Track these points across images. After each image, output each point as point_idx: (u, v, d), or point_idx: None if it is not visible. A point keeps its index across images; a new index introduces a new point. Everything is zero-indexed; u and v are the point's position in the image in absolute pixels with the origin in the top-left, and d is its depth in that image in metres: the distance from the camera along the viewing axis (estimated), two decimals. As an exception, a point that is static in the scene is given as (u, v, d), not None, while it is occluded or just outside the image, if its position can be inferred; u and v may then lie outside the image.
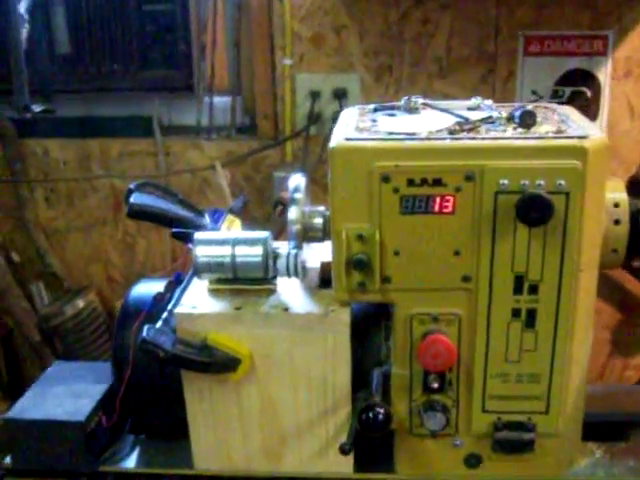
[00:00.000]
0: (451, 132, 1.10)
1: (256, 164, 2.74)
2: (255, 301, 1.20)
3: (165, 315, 1.18)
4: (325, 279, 1.21)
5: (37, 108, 2.83)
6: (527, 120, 1.10)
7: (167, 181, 2.77)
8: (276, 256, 1.20)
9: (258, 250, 1.19)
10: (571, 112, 1.24)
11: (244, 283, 1.22)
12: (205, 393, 1.21)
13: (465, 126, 1.12)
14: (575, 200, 1.04)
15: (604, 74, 2.44)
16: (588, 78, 2.45)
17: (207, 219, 1.42)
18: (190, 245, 1.23)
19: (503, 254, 1.08)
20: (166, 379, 1.24)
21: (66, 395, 1.33)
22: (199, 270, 1.21)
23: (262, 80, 2.66)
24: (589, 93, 2.46)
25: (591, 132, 1.07)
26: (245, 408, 1.22)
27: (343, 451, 1.12)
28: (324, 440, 1.23)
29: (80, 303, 2.86)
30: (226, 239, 1.21)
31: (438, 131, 1.11)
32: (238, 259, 1.19)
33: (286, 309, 1.18)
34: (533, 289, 1.09)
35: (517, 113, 1.12)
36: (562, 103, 2.33)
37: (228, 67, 2.76)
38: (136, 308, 1.28)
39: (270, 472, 1.27)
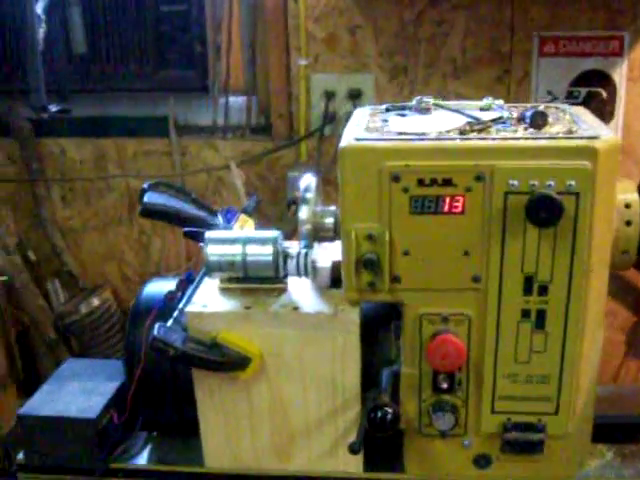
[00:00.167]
0: (461, 132, 1.10)
1: (271, 164, 2.75)
2: (265, 300, 1.21)
3: (176, 314, 1.19)
4: (336, 279, 1.22)
5: (54, 108, 2.85)
6: (538, 120, 1.10)
7: (182, 181, 2.78)
8: (286, 255, 1.20)
9: (268, 249, 1.20)
10: (583, 113, 1.24)
11: (255, 282, 1.23)
12: (215, 391, 1.22)
13: (476, 126, 1.12)
14: (585, 201, 1.04)
15: (619, 75, 2.42)
16: (603, 79, 2.43)
17: (220, 219, 1.43)
18: (201, 244, 1.24)
19: (513, 254, 1.08)
20: (177, 377, 1.25)
21: (78, 392, 1.34)
22: (210, 269, 1.22)
23: (277, 80, 2.67)
24: (604, 94, 2.44)
25: (602, 132, 1.07)
26: (255, 407, 1.22)
27: (352, 450, 1.13)
28: (333, 439, 1.23)
29: (95, 301, 2.88)
30: (237, 238, 1.22)
31: (448, 131, 1.11)
32: (249, 258, 1.20)
33: (296, 308, 1.18)
34: (543, 290, 1.09)
35: (528, 113, 1.12)
36: (577, 104, 2.31)
37: (243, 67, 2.77)
38: (148, 306, 1.29)
39: (280, 471, 1.27)
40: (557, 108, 1.27)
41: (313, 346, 1.17)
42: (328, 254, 1.31)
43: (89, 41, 2.97)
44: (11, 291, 2.87)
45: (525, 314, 1.11)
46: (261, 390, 1.21)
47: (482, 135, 1.09)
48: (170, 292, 1.29)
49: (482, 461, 1.22)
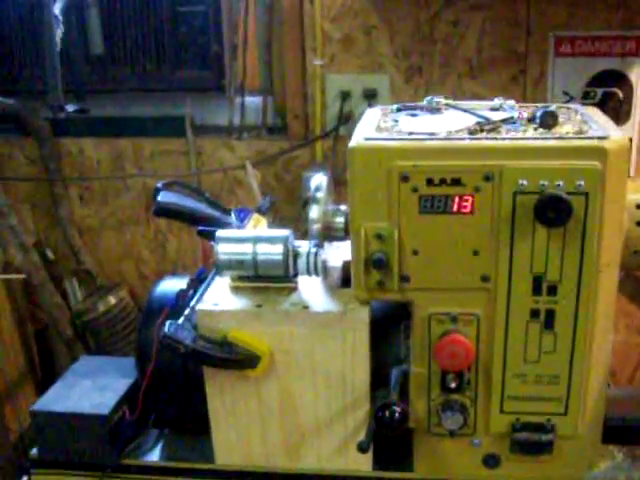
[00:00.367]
0: (471, 132, 1.10)
1: (286, 164, 2.76)
2: (275, 299, 1.21)
3: (187, 312, 1.20)
4: (347, 278, 1.22)
5: (71, 108, 2.88)
6: (548, 121, 1.10)
7: (198, 180, 2.80)
8: (296, 254, 1.21)
9: (279, 248, 1.20)
10: (595, 113, 1.23)
11: (265, 281, 1.24)
12: (226, 389, 1.23)
13: (485, 126, 1.12)
14: (594, 201, 1.03)
15: (636, 75, 2.41)
16: (620, 79, 2.42)
17: (233, 218, 1.44)
18: (213, 243, 1.25)
19: (522, 254, 1.08)
20: (188, 375, 1.26)
21: (91, 389, 1.36)
22: (220, 267, 1.23)
23: (293, 80, 2.67)
24: (621, 94, 2.43)
25: (612, 133, 1.06)
26: (265, 404, 1.23)
27: (361, 449, 1.13)
28: (343, 438, 1.24)
29: (112, 300, 2.91)
30: (247, 237, 1.23)
31: (458, 131, 1.11)
32: (259, 257, 1.20)
33: (306, 307, 1.19)
34: (552, 290, 1.09)
35: (538, 114, 1.12)
36: (594, 104, 2.31)
37: (259, 68, 2.78)
38: (160, 305, 1.30)
39: (289, 469, 1.28)
40: (569, 108, 1.27)
41: (323, 344, 1.18)
42: (339, 253, 1.32)
43: (107, 42, 3.00)
44: (29, 289, 2.91)
45: (534, 314, 1.11)
46: (271, 388, 1.22)
47: (491, 135, 1.09)
48: (182, 290, 1.30)
49: (491, 461, 1.21)
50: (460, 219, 1.08)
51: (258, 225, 1.45)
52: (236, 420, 1.25)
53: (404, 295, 1.14)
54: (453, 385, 1.16)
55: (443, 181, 1.06)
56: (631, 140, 2.40)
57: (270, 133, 2.79)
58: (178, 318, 1.18)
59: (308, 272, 1.21)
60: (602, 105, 2.41)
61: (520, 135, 1.09)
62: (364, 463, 1.25)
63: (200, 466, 1.32)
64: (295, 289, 1.24)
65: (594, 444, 1.23)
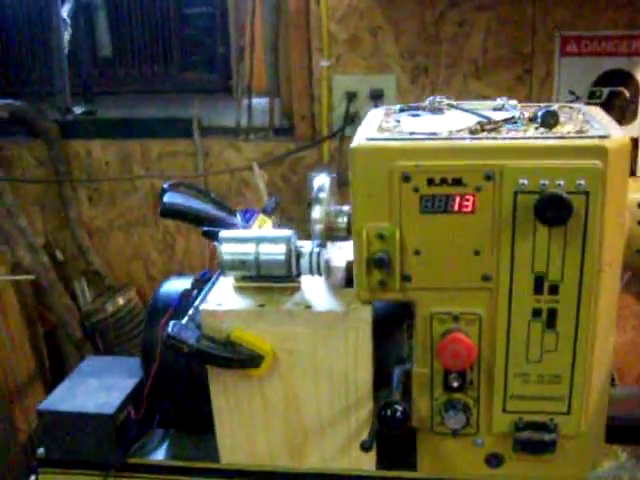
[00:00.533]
0: (471, 132, 1.10)
1: (293, 165, 2.76)
2: (279, 298, 1.22)
3: (191, 311, 1.21)
4: (350, 278, 1.23)
5: (79, 110, 2.90)
6: (549, 120, 1.10)
7: (205, 181, 2.81)
8: (299, 254, 1.22)
9: (281, 248, 1.21)
10: (597, 112, 1.23)
11: (268, 281, 1.24)
12: (230, 388, 1.24)
13: (486, 126, 1.12)
14: (595, 200, 1.04)
15: (643, 74, 2.41)
16: (626, 78, 2.41)
17: (238, 219, 1.44)
18: (216, 243, 1.26)
19: (523, 254, 1.08)
20: (192, 374, 1.27)
21: (97, 388, 1.37)
22: (224, 267, 1.23)
23: (299, 82, 2.68)
24: (627, 93, 2.42)
25: (613, 132, 1.06)
26: (269, 404, 1.24)
27: (364, 448, 1.14)
28: (346, 437, 1.24)
29: (120, 300, 2.92)
30: (250, 237, 1.24)
31: (459, 131, 1.12)
32: (261, 257, 1.21)
33: (309, 307, 1.19)
34: (553, 289, 1.09)
35: (540, 113, 1.12)
36: (600, 104, 2.31)
37: (266, 69, 2.79)
38: (164, 305, 1.31)
39: (293, 468, 1.28)
40: (571, 108, 1.27)
41: (325, 344, 1.19)
42: (343, 253, 1.32)
43: (114, 44, 3.02)
44: (39, 290, 2.92)
45: (536, 313, 1.11)
46: (274, 387, 1.22)
47: (492, 135, 1.10)
48: (186, 290, 1.31)
49: (494, 460, 1.22)
50: (461, 219, 1.08)
51: (263, 226, 1.46)
52: (240, 419, 1.26)
53: (406, 295, 1.14)
54: (455, 384, 1.16)
55: (444, 181, 1.07)
56: (637, 140, 2.40)
57: (277, 134, 2.79)
58: (182, 318, 1.19)
59: (311, 272, 1.22)
60: (608, 105, 2.40)
61: (521, 135, 1.09)
62: (367, 462, 1.26)
63: (205, 465, 1.33)
64: (298, 289, 1.25)
65: (597, 443, 1.23)
